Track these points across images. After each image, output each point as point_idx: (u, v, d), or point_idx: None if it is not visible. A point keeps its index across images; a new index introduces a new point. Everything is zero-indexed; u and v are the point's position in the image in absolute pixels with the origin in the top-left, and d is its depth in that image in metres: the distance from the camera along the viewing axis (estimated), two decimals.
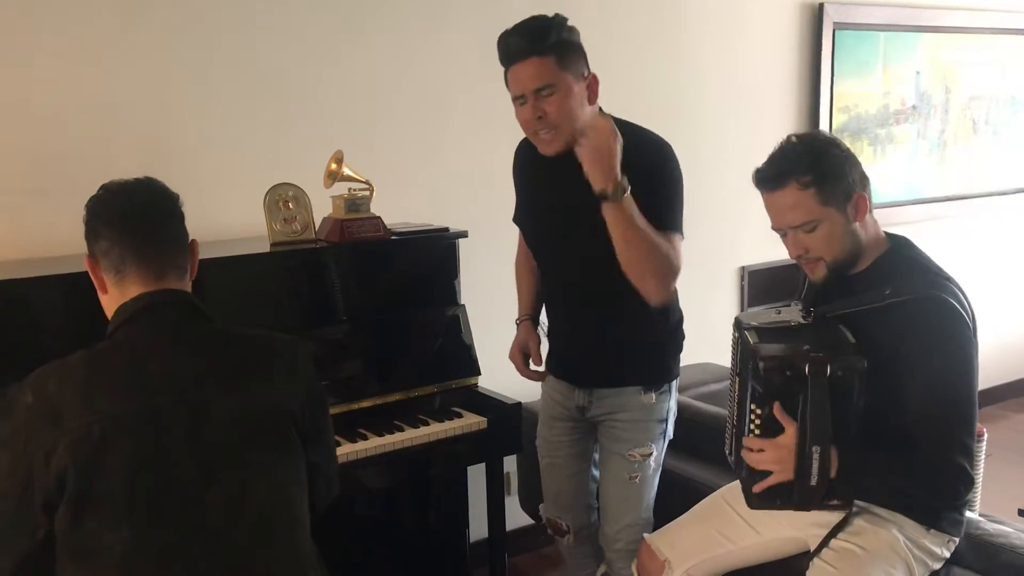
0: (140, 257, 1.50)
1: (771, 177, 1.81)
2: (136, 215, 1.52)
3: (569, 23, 1.99)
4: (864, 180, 1.82)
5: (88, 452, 1.35)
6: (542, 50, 1.92)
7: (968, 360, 1.73)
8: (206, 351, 1.50)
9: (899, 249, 1.85)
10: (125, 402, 1.39)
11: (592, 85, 2.00)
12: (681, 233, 2.04)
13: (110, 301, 1.53)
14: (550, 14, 1.98)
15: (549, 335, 2.30)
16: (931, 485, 1.75)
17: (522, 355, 2.33)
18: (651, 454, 2.16)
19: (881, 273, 1.81)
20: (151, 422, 1.40)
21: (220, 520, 1.41)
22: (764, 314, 1.92)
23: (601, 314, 2.14)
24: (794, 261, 1.89)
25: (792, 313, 1.89)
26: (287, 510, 1.50)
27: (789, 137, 1.85)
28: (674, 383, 2.21)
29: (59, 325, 2.14)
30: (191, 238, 1.60)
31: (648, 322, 2.09)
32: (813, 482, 1.69)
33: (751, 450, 1.78)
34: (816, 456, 1.67)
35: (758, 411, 1.76)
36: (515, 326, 2.40)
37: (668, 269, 1.98)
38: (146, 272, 1.50)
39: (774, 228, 1.88)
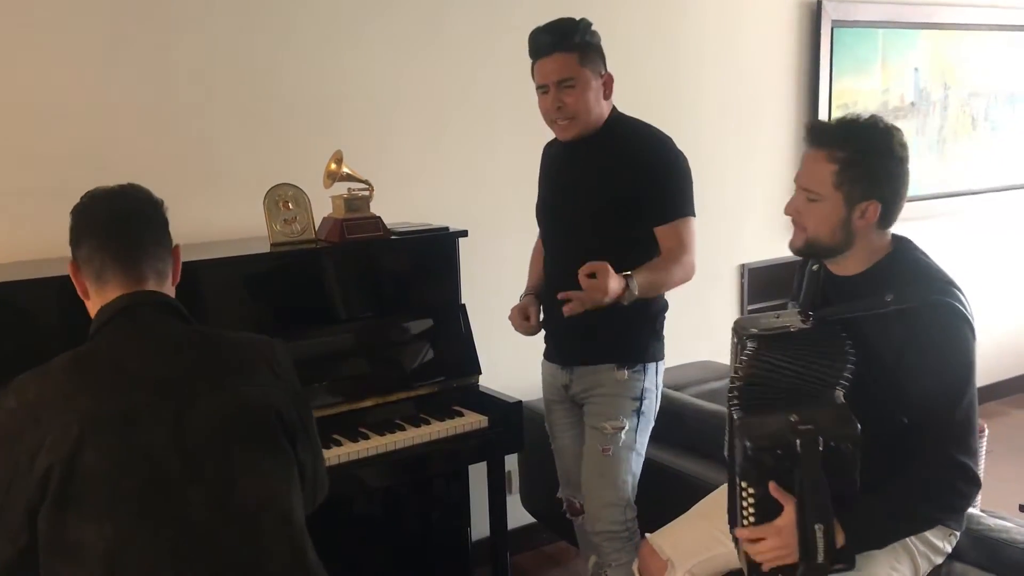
0: (119, 262, 1.51)
1: (817, 134, 1.80)
2: (116, 222, 1.53)
3: (592, 27, 2.20)
4: (895, 197, 1.77)
5: (68, 450, 1.35)
6: (566, 47, 2.16)
7: (970, 364, 1.72)
8: (187, 350, 1.51)
9: (901, 252, 1.83)
10: (105, 401, 1.40)
11: (608, 83, 2.23)
12: (692, 214, 2.22)
13: (93, 307, 1.55)
14: (577, 16, 2.19)
15: (544, 320, 2.41)
16: (937, 493, 1.72)
17: (521, 316, 2.41)
18: (623, 427, 2.25)
19: (882, 277, 1.79)
20: (132, 420, 1.40)
21: (206, 517, 1.41)
22: (763, 319, 1.87)
23: None
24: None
25: (791, 316, 1.86)
26: (276, 508, 1.49)
27: (873, 117, 1.78)
28: (652, 366, 2.30)
29: (56, 327, 2.14)
30: (175, 243, 1.61)
31: (625, 308, 2.13)
32: (820, 559, 1.63)
33: (750, 540, 1.71)
34: (820, 534, 1.62)
35: (751, 491, 1.68)
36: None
37: (687, 274, 2.22)
38: (125, 276, 1.51)
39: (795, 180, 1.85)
